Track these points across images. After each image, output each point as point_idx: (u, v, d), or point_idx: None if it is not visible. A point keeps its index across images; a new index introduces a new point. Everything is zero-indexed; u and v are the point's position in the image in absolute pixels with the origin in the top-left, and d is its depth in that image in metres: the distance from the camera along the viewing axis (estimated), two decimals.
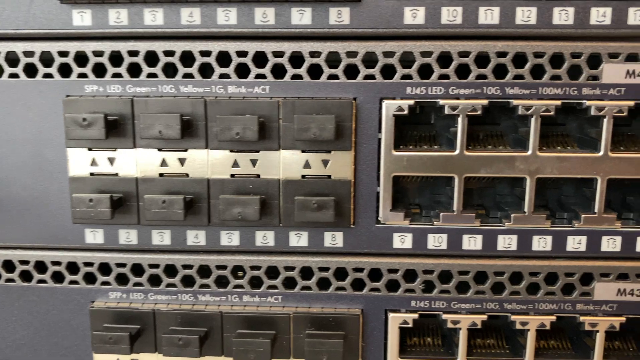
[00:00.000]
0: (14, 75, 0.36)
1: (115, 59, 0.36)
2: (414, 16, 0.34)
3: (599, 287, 0.37)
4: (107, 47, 0.35)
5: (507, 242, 0.36)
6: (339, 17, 0.34)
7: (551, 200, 0.39)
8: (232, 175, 0.36)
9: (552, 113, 0.34)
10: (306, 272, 0.38)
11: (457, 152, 0.35)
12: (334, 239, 0.37)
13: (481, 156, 0.35)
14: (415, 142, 0.37)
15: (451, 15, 0.34)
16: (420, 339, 0.40)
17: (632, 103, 0.34)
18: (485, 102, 0.35)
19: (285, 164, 0.35)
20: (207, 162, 0.36)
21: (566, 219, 0.37)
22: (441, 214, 0.36)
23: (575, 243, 0.36)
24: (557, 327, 0.40)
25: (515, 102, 0.35)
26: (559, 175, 0.35)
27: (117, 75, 0.36)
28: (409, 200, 0.40)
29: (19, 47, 0.36)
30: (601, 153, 0.35)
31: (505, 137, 0.37)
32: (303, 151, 0.35)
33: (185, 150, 0.36)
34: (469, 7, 0.34)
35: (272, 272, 0.38)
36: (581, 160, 0.35)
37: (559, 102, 0.34)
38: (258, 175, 0.36)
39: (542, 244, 0.36)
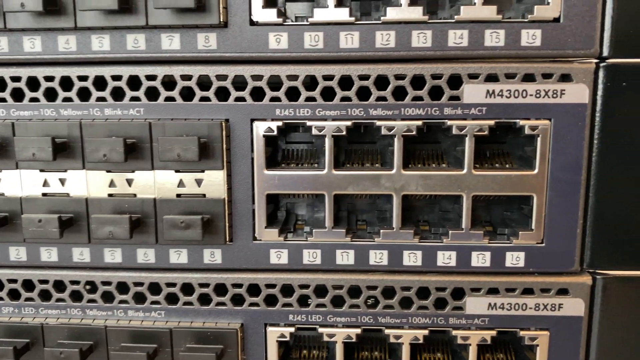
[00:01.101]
0: None
1: None
2: (277, 41, 0.35)
3: (470, 302, 0.38)
4: None
5: (378, 257, 0.37)
6: (207, 42, 0.35)
7: (435, 216, 0.41)
8: (110, 195, 0.37)
9: (414, 133, 0.35)
10: (188, 288, 0.39)
11: (325, 171, 0.36)
12: (212, 255, 0.38)
13: (348, 175, 0.36)
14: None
15: (313, 40, 0.35)
16: (309, 352, 0.41)
17: (492, 122, 0.35)
18: (349, 123, 0.36)
19: (159, 183, 0.37)
20: (85, 182, 0.37)
21: (440, 234, 0.38)
22: (314, 230, 0.37)
23: (445, 258, 0.37)
24: (442, 340, 0.41)
25: (378, 122, 0.36)
26: (424, 193, 0.36)
27: (1, 99, 0.37)
28: (297, 217, 0.41)
29: None
30: (465, 171, 0.36)
31: (380, 156, 0.39)
32: (177, 171, 0.37)
33: (65, 170, 0.37)
34: (330, 32, 0.35)
35: (155, 288, 0.39)
36: (445, 178, 0.36)
37: (420, 122, 0.35)
38: (135, 195, 0.37)
39: (412, 259, 0.37)
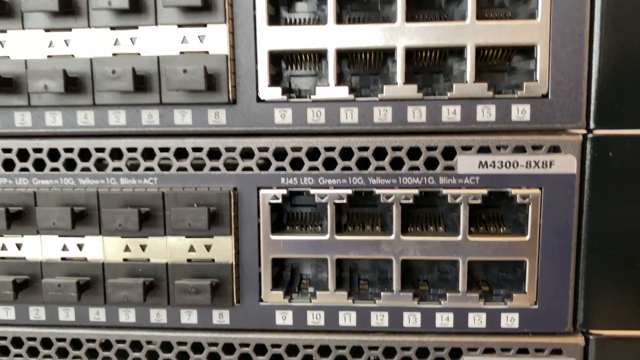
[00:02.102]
0: None
1: (22, 154, 0.40)
2: (282, 116, 0.38)
3: None
4: (15, 144, 0.40)
5: (379, 319, 0.39)
6: (217, 117, 0.38)
7: (434, 276, 0.42)
8: (125, 260, 0.39)
9: (410, 200, 0.37)
10: (198, 347, 0.41)
11: (327, 236, 0.38)
12: (221, 316, 0.40)
13: (350, 240, 0.38)
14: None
15: (315, 116, 0.37)
16: None
17: (485, 191, 0.37)
18: (349, 191, 0.38)
19: (171, 248, 0.39)
20: (102, 247, 0.39)
21: (438, 295, 0.40)
22: (318, 293, 0.39)
23: (443, 320, 0.39)
24: None
25: (377, 191, 0.38)
26: (423, 257, 0.38)
27: (24, 169, 0.40)
28: (301, 276, 0.43)
29: None
30: (460, 237, 0.38)
31: (380, 218, 0.41)
32: (188, 236, 0.39)
33: (83, 236, 0.39)
34: (331, 108, 0.37)
35: (167, 346, 0.41)
36: (442, 244, 0.38)
37: (416, 191, 0.37)
38: (148, 259, 0.39)
39: (412, 320, 0.39)
